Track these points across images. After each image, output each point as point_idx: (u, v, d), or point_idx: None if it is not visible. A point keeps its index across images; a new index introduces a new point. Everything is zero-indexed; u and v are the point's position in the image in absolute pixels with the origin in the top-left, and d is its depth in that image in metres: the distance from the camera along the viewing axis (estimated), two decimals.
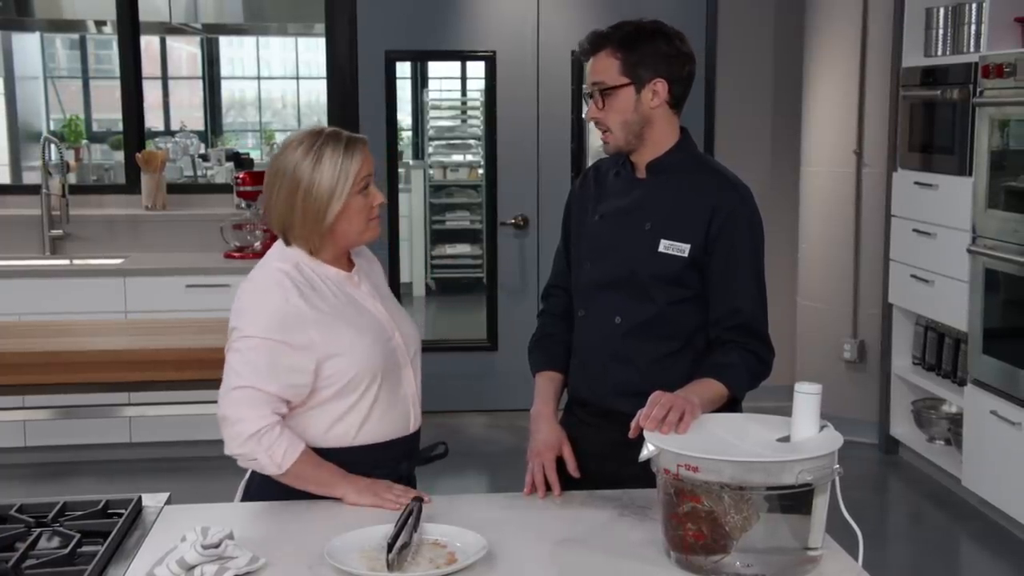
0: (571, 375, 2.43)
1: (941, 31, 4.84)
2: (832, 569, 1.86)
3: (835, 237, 5.46)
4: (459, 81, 7.90)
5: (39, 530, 1.94)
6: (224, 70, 12.02)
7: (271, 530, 2.02)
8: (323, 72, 6.05)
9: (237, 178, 5.58)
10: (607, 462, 2.26)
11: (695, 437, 1.89)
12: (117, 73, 5.96)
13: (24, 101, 9.87)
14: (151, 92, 10.23)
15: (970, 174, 4.49)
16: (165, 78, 11.45)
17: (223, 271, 5.10)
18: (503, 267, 6.00)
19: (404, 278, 6.68)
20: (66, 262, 5.48)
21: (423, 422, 2.33)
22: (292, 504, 2.14)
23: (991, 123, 4.35)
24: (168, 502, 2.17)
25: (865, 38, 5.27)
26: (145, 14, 6.15)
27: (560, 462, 2.28)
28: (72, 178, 6.65)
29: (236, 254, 5.41)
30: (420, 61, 7.39)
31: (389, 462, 2.22)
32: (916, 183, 4.90)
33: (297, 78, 12.18)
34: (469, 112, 7.72)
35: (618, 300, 2.31)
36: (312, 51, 11.65)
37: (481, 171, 6.55)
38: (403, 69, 7.33)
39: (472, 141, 7.59)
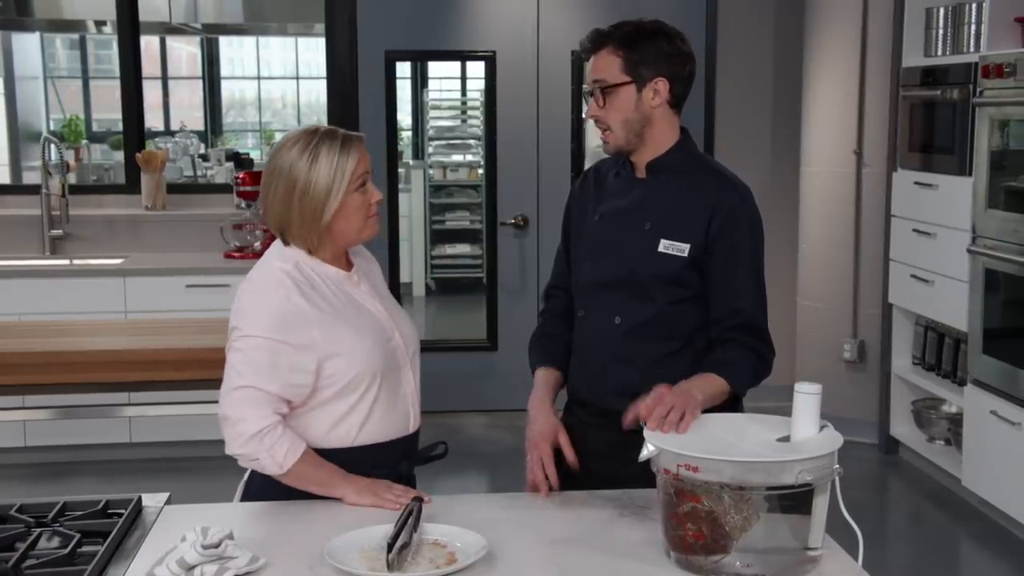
0: (571, 375, 2.43)
1: (941, 31, 4.84)
2: (832, 569, 1.86)
3: (835, 237, 5.46)
4: (459, 81, 7.90)
5: (39, 530, 1.94)
6: (224, 70, 12.03)
7: (271, 530, 2.02)
8: (323, 72, 6.05)
9: (237, 178, 5.58)
10: (607, 462, 2.26)
11: (695, 437, 1.89)
12: (117, 73, 5.96)
13: (24, 101, 9.87)
14: (151, 92, 10.24)
15: (970, 174, 4.49)
16: (165, 78, 11.45)
17: (223, 271, 5.10)
18: (503, 267, 6.00)
19: (404, 278, 6.68)
20: (66, 262, 5.48)
21: (422, 422, 2.33)
22: (292, 504, 2.14)
23: (991, 123, 4.35)
24: (168, 502, 2.17)
25: (865, 38, 5.27)
26: (145, 14, 6.15)
27: (560, 456, 2.28)
28: (72, 178, 6.65)
29: (236, 254, 5.41)
30: (420, 61, 7.39)
31: (389, 462, 2.22)
32: (916, 183, 4.90)
33: (297, 78, 12.18)
34: (469, 112, 7.72)
35: (618, 300, 2.31)
36: (312, 51, 11.65)
37: (481, 171, 6.55)
38: (403, 69, 7.33)
39: (472, 141, 7.59)
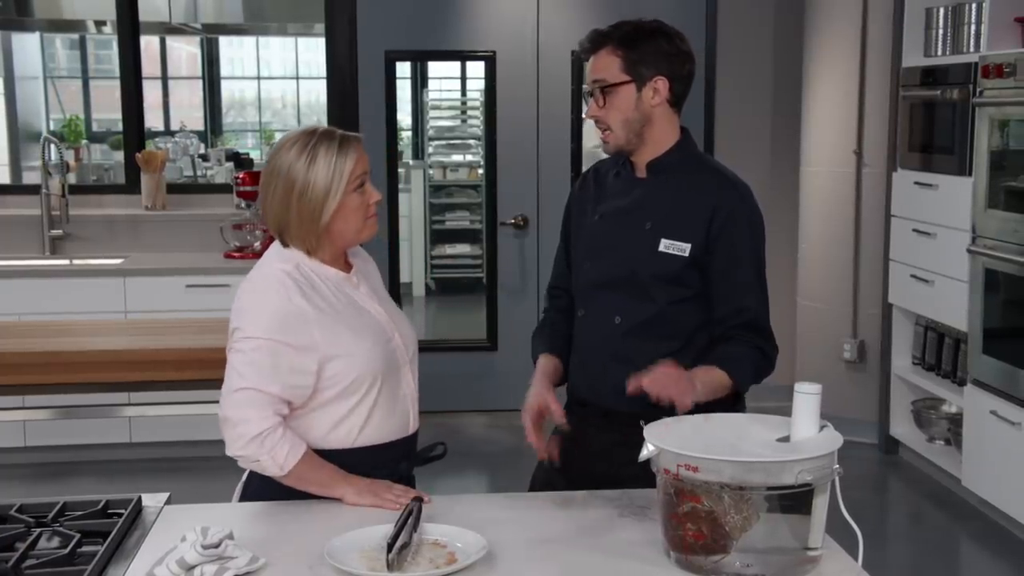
0: (571, 375, 2.43)
1: (941, 31, 4.84)
2: (832, 569, 1.86)
3: (835, 237, 5.46)
4: (459, 81, 7.90)
5: (39, 530, 1.94)
6: (224, 70, 12.03)
7: (271, 530, 2.02)
8: (323, 72, 6.05)
9: (237, 178, 5.58)
10: (607, 462, 2.27)
11: (695, 437, 1.89)
12: (117, 73, 5.96)
13: (24, 101, 9.87)
14: (151, 92, 10.23)
15: (970, 174, 4.49)
16: (165, 78, 11.45)
17: (223, 271, 5.10)
18: (503, 267, 6.00)
19: (404, 278, 6.67)
20: (66, 262, 5.48)
21: (422, 422, 2.33)
22: (292, 504, 2.14)
23: (991, 123, 4.35)
24: (168, 502, 2.17)
25: (865, 38, 5.27)
26: (145, 14, 6.15)
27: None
28: (72, 178, 6.65)
29: (236, 254, 5.41)
30: (420, 61, 7.39)
31: (388, 463, 2.22)
32: (916, 183, 4.90)
33: (297, 78, 12.18)
34: (469, 112, 7.72)
35: (618, 300, 2.31)
36: (312, 51, 11.65)
37: (481, 171, 6.55)
38: (403, 69, 7.33)
39: (472, 141, 7.59)
